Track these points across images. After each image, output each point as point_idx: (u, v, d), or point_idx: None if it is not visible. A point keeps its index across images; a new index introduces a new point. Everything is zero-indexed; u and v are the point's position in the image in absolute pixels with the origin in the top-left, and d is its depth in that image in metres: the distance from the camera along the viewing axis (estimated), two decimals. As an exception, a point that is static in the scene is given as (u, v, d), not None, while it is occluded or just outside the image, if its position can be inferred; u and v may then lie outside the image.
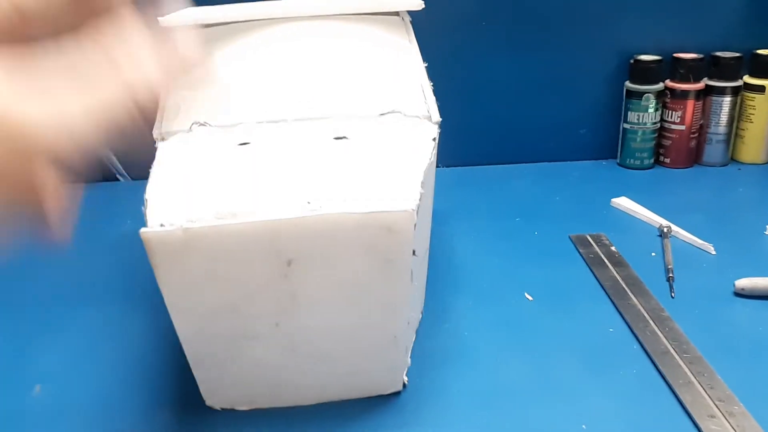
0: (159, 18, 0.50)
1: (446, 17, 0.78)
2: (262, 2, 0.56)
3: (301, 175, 0.40)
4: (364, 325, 0.40)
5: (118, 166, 0.83)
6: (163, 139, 0.48)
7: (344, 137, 0.44)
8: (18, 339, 0.52)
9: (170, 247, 0.36)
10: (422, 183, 0.38)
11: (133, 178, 0.83)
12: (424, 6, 0.52)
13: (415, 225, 0.37)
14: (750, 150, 0.82)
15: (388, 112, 0.47)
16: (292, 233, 0.36)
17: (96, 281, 0.60)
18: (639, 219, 0.68)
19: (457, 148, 0.83)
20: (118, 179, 0.83)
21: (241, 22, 0.51)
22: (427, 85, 0.49)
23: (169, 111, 0.50)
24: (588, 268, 0.58)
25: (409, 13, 0.55)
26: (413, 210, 0.36)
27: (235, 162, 0.42)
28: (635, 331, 0.49)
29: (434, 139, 0.44)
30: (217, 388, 0.42)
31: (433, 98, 0.49)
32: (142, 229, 0.35)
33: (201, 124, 0.48)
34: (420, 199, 0.37)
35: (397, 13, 0.53)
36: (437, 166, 0.81)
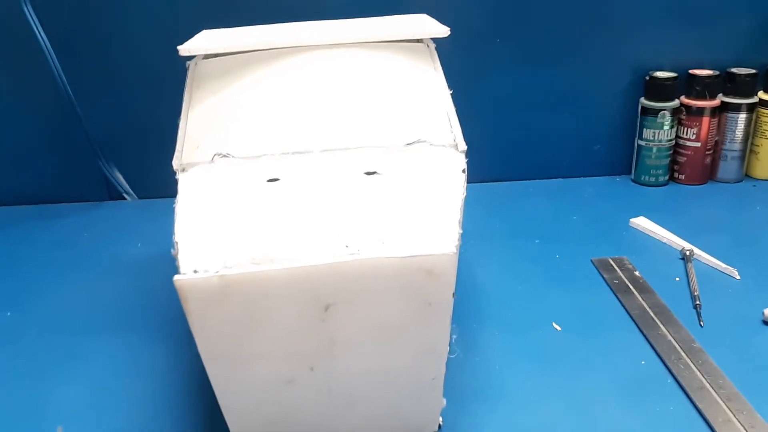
0: (179, 47, 0.49)
1: (460, 34, 0.76)
2: (285, 27, 0.55)
3: (336, 215, 0.39)
4: (403, 368, 0.39)
5: (125, 185, 0.82)
6: (183, 170, 0.47)
7: (375, 172, 0.43)
8: (33, 373, 0.50)
9: (206, 294, 0.34)
10: (459, 221, 0.38)
11: (139, 197, 0.82)
12: (449, 33, 0.50)
13: (455, 267, 0.36)
14: (765, 166, 0.81)
15: (415, 142, 0.47)
16: (331, 278, 0.35)
17: (111, 309, 0.59)
18: (659, 240, 0.67)
19: (472, 164, 0.81)
20: (124, 198, 0.82)
21: (264, 50, 0.50)
22: (453, 113, 0.49)
23: (189, 140, 0.48)
24: (614, 295, 0.57)
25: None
26: (454, 253, 0.35)
27: (265, 200, 0.41)
28: (668, 364, 0.48)
29: (463, 171, 0.43)
30: (249, 431, 0.41)
31: (458, 126, 0.48)
32: (176, 277, 0.34)
33: (223, 156, 0.47)
34: (459, 238, 0.36)
35: (421, 40, 0.52)
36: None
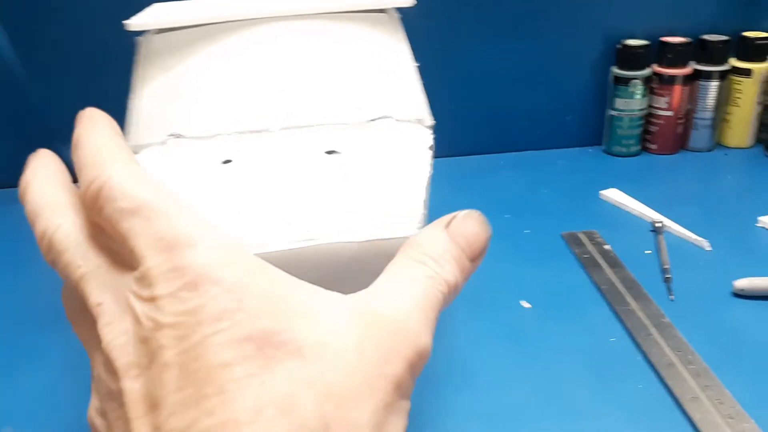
0: (126, 22, 0.46)
1: (428, 4, 0.74)
2: (229, 1, 0.52)
3: (292, 198, 0.37)
4: None
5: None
6: (135, 152, 0.45)
7: (335, 151, 0.41)
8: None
9: None
10: (425, 201, 0.36)
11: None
12: (416, 2, 0.48)
13: None
14: (736, 134, 0.81)
15: (379, 118, 0.45)
16: (288, 265, 0.33)
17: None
18: (630, 213, 0.66)
19: (440, 138, 0.80)
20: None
21: (218, 23, 0.47)
22: (419, 86, 0.47)
23: (141, 120, 0.46)
24: (583, 270, 0.57)
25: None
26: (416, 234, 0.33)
27: (219, 185, 0.39)
28: (638, 341, 0.47)
29: (430, 147, 0.41)
30: None
31: (425, 100, 0.46)
32: None
33: (177, 136, 0.45)
34: (424, 220, 0.35)
35: (384, 11, 0.49)
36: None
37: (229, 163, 0.40)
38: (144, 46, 0.47)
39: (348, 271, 0.34)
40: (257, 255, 0.32)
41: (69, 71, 0.74)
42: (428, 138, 0.43)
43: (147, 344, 0.19)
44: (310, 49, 0.47)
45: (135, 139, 0.45)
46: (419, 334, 0.22)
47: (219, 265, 0.20)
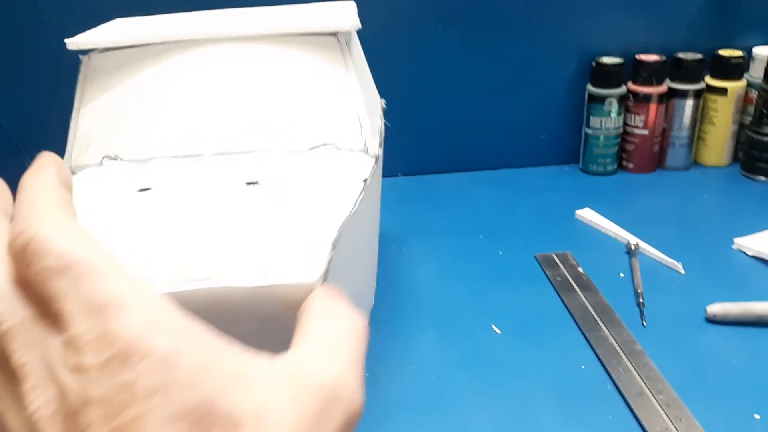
0: (67, 40, 0.45)
1: (400, 19, 0.73)
2: (194, 17, 0.51)
3: (195, 234, 0.34)
4: None
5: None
6: (73, 173, 0.44)
7: (256, 182, 0.39)
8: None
9: None
10: (334, 243, 0.33)
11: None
12: (360, 27, 0.47)
13: None
14: (712, 153, 0.81)
15: (319, 145, 0.44)
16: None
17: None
18: (604, 233, 0.66)
19: (413, 155, 0.79)
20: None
21: (163, 44, 0.46)
22: (364, 114, 0.45)
23: (81, 140, 0.45)
24: (556, 293, 0.56)
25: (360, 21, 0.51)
26: (315, 281, 0.31)
27: (129, 214, 0.37)
28: (608, 369, 0.46)
29: (365, 181, 0.39)
30: None
31: (373, 127, 0.45)
32: None
33: (112, 158, 0.44)
34: (330, 263, 0.32)
35: (334, 34, 0.47)
36: (395, 175, 0.78)
37: (148, 191, 0.39)
38: (86, 65, 0.46)
39: (242, 316, 0.31)
40: None
41: (36, 85, 0.73)
42: (366, 169, 0.41)
43: (74, 421, 0.18)
44: (253, 73, 0.46)
45: (73, 159, 0.45)
46: (354, 394, 0.21)
47: (152, 333, 0.18)
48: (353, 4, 0.53)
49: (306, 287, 0.30)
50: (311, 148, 0.43)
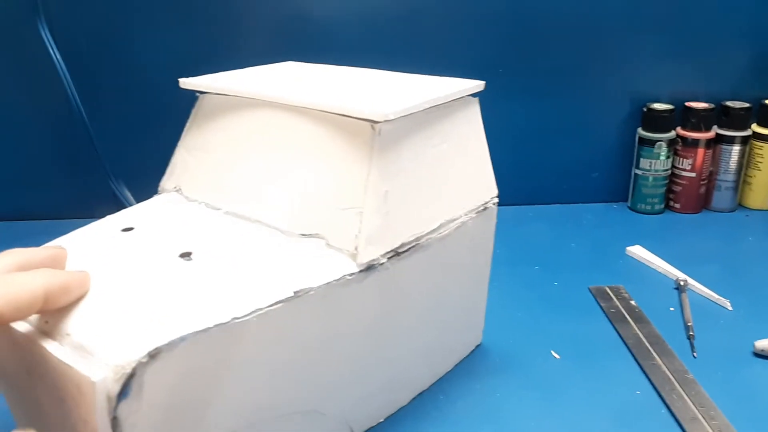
0: (181, 80, 0.50)
1: (464, 63, 0.79)
2: (272, 75, 0.53)
3: (103, 292, 0.35)
4: None
5: (133, 203, 0.83)
6: (159, 194, 0.50)
7: (190, 254, 0.39)
8: None
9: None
10: (151, 353, 0.31)
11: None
12: (391, 118, 0.41)
13: (115, 398, 0.30)
14: (757, 197, 0.84)
15: (311, 235, 0.42)
16: (26, 348, 0.34)
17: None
18: (654, 269, 0.69)
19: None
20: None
21: (251, 99, 0.48)
22: (374, 215, 0.41)
23: (171, 167, 0.51)
24: (610, 324, 0.60)
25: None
26: (97, 382, 0.30)
27: (91, 254, 0.40)
28: (662, 395, 0.50)
29: (308, 293, 0.37)
30: None
31: (392, 233, 0.42)
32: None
33: (177, 190, 0.49)
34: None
35: (370, 121, 0.41)
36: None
37: (129, 231, 0.42)
38: (199, 103, 0.51)
39: (57, 381, 0.33)
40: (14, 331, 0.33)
41: (129, 115, 0.80)
42: (326, 277, 0.38)
43: None
44: (290, 145, 0.45)
45: (162, 182, 0.51)
46: None
47: None
48: (476, 84, 0.52)
49: (87, 383, 0.30)
50: (302, 235, 0.42)
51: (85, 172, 0.81)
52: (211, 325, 0.33)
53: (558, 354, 0.56)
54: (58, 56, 0.75)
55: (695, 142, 0.80)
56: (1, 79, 0.77)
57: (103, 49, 0.77)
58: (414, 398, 0.50)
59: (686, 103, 0.81)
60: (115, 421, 0.31)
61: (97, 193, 0.82)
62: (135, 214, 0.46)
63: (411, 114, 0.42)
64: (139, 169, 0.82)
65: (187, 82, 0.51)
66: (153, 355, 0.31)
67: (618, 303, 0.63)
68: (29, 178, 0.82)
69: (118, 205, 0.83)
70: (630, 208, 0.85)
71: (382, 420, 0.48)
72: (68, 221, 0.88)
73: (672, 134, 0.81)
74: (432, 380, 0.51)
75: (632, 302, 0.63)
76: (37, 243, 0.40)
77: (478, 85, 0.50)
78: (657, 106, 0.81)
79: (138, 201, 0.83)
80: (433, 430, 0.47)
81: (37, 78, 0.77)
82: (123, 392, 0.31)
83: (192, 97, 0.52)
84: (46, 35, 0.74)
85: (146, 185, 0.83)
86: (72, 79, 0.77)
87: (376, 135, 0.41)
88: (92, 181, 0.81)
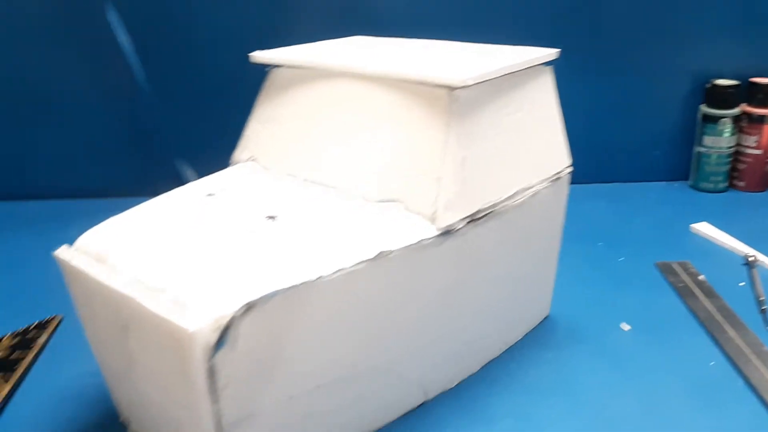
0: (252, 54, 0.51)
1: (530, 42, 0.79)
2: (343, 48, 0.54)
3: (195, 250, 0.37)
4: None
5: (194, 177, 0.85)
6: (231, 164, 0.51)
7: (274, 216, 0.41)
8: None
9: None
10: (249, 304, 0.32)
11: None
12: (468, 84, 0.41)
13: (212, 348, 0.32)
14: (825, 174, 0.82)
15: (389, 200, 0.42)
16: (122, 304, 0.35)
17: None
18: (721, 246, 0.68)
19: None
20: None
21: (326, 69, 0.48)
22: (452, 180, 0.41)
23: (244, 140, 0.52)
24: (679, 298, 0.59)
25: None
26: (195, 332, 0.31)
27: (181, 216, 0.42)
28: (738, 366, 0.49)
29: (387, 253, 0.38)
30: None
31: (470, 197, 0.42)
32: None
33: (252, 159, 0.50)
34: (229, 319, 0.32)
35: (447, 87, 0.41)
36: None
37: (211, 196, 0.44)
38: (270, 77, 0.52)
39: (152, 338, 0.35)
40: (107, 287, 0.35)
41: (195, 94, 0.81)
42: (407, 239, 0.39)
43: None
44: (366, 114, 0.45)
45: (235, 154, 0.52)
46: None
47: None
48: (550, 52, 0.52)
49: (185, 335, 0.32)
50: (380, 201, 0.42)
51: (150, 151, 0.83)
52: (299, 283, 0.35)
53: (628, 325, 0.55)
54: (124, 35, 0.77)
55: (761, 119, 0.79)
56: (67, 59, 0.80)
57: (170, 30, 0.79)
58: (484, 366, 0.50)
59: (751, 79, 0.79)
60: (211, 371, 0.32)
61: (163, 172, 0.84)
62: (216, 181, 0.47)
63: (487, 80, 0.43)
64: (199, 147, 0.85)
65: (258, 56, 0.51)
66: (248, 308, 0.33)
67: (686, 278, 0.62)
68: (97, 158, 0.85)
69: (180, 183, 0.86)
70: (691, 187, 0.84)
71: (453, 386, 0.48)
72: (131, 198, 0.91)
73: (737, 111, 0.79)
74: (502, 349, 0.52)
75: (700, 277, 0.62)
76: (101, 219, 0.42)
77: (551, 53, 0.50)
78: (721, 82, 0.79)
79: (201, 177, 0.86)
80: (506, 395, 0.47)
81: (107, 61, 0.79)
82: (219, 342, 0.32)
83: (255, 73, 0.52)
84: (111, 14, 0.76)
85: (209, 163, 0.85)
86: (140, 60, 0.79)
87: (454, 101, 0.41)
88: (158, 160, 0.84)
